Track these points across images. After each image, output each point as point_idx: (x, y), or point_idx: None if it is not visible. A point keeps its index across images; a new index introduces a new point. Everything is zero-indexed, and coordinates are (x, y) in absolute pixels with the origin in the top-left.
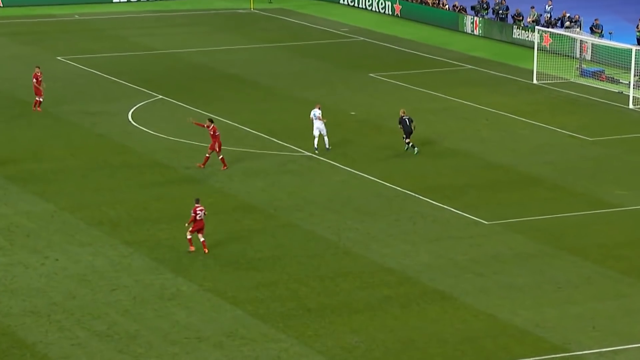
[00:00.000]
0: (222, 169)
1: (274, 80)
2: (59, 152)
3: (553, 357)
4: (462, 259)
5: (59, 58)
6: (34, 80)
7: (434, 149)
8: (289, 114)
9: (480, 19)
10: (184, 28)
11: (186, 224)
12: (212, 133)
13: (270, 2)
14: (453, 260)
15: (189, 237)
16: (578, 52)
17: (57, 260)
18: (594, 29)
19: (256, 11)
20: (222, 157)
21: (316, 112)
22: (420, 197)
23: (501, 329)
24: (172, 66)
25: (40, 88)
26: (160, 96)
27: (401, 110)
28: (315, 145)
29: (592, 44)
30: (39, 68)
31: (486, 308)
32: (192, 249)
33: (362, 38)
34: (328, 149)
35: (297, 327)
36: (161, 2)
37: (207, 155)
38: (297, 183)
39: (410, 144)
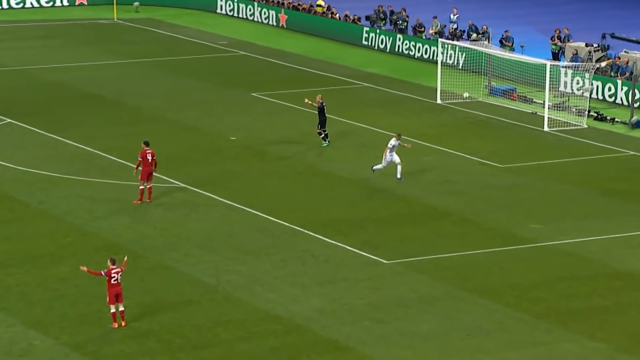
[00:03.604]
0: (146, 200)
1: (142, 101)
2: None
3: None
4: (358, 304)
5: None
6: None
7: (327, 178)
8: (160, 139)
9: (377, 30)
10: (37, 41)
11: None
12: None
13: (137, 12)
14: (348, 305)
15: (112, 310)
16: (486, 69)
17: None
18: (504, 41)
19: (120, 21)
20: (150, 187)
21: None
22: (311, 233)
23: None
24: (22, 85)
25: None
26: (8, 120)
27: (318, 96)
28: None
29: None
30: None
31: (387, 359)
32: (115, 325)
33: (242, 52)
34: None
35: None
36: (9, 10)
37: (141, 187)
38: (169, 219)
39: (326, 134)
